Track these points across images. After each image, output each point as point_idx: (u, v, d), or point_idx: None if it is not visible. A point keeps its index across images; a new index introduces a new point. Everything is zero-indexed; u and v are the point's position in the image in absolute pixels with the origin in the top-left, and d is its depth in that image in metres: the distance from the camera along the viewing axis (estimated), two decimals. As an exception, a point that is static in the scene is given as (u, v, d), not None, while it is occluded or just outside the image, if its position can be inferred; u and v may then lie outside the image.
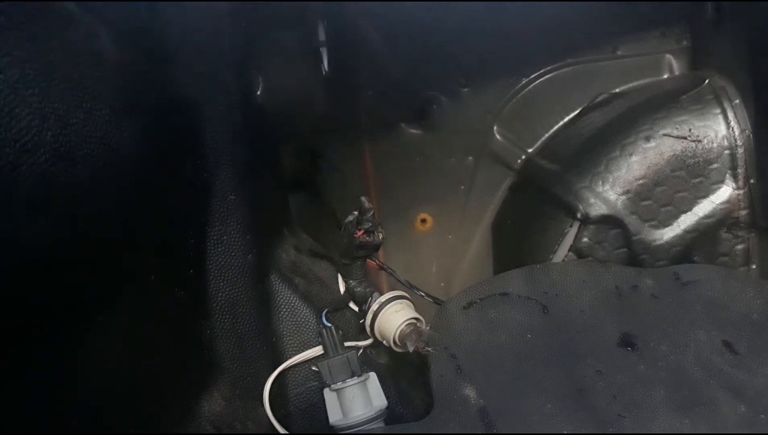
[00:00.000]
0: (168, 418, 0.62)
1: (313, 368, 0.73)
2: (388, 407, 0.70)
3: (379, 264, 0.84)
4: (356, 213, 0.69)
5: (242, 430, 0.68)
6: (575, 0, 0.99)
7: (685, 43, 1.02)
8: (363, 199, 0.69)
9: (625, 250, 0.85)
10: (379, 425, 0.68)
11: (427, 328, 0.69)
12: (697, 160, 0.83)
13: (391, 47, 1.01)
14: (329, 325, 0.73)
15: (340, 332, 0.73)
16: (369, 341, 0.75)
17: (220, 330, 0.69)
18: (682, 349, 0.65)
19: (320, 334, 0.72)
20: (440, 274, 1.20)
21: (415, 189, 1.18)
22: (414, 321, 0.69)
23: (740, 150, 0.82)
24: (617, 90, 1.04)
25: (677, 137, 0.84)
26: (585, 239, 0.86)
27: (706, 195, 0.83)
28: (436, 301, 0.81)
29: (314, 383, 0.73)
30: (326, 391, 0.71)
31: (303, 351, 0.73)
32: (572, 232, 0.86)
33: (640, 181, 0.84)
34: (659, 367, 0.63)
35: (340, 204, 0.97)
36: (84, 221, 0.50)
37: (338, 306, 0.76)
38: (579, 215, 0.85)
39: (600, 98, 1.03)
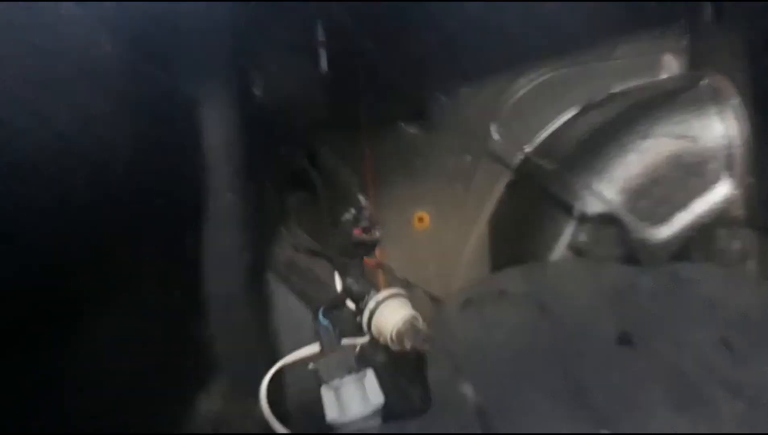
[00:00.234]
0: (166, 417, 0.62)
1: (311, 366, 0.72)
2: (385, 405, 0.70)
3: (376, 262, 0.84)
4: (354, 211, 0.70)
5: (240, 429, 0.68)
6: (574, 0, 0.99)
7: (683, 42, 1.02)
8: (360, 197, 0.69)
9: (623, 248, 0.85)
10: (376, 423, 0.68)
11: (425, 325, 0.69)
12: (694, 159, 0.83)
13: (391, 46, 1.01)
14: (326, 322, 0.72)
15: (338, 330, 0.72)
16: (366, 339, 0.75)
17: (218, 328, 0.69)
18: (680, 347, 0.65)
19: (317, 332, 0.72)
20: (438, 272, 1.20)
21: (412, 187, 1.17)
22: (411, 319, 0.69)
23: (737, 149, 0.82)
24: (615, 90, 1.04)
25: (675, 137, 0.84)
26: (582, 238, 0.86)
27: (703, 194, 0.83)
28: (434, 299, 0.81)
29: (311, 381, 0.73)
30: (323, 388, 0.71)
31: (300, 349, 0.73)
32: (570, 230, 0.86)
33: (638, 180, 0.84)
34: (657, 365, 0.63)
35: (338, 202, 0.97)
36: (81, 220, 0.50)
37: (335, 304, 0.76)
38: (576, 214, 0.85)
39: (598, 98, 1.03)
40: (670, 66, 1.03)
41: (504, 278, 0.78)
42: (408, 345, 0.66)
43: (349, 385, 0.69)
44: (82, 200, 0.50)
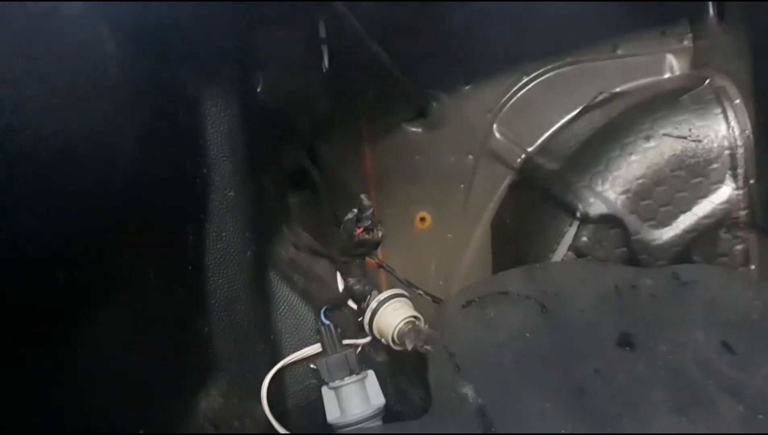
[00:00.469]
0: (166, 416, 0.62)
1: (312, 366, 0.72)
2: (386, 405, 0.70)
3: (378, 262, 0.84)
4: (355, 211, 0.69)
5: (240, 428, 0.68)
6: (577, 0, 0.99)
7: (685, 42, 1.02)
8: (362, 196, 0.68)
9: (625, 249, 0.85)
10: (376, 423, 0.68)
11: (426, 326, 0.69)
12: (696, 159, 0.83)
13: (392, 45, 1.01)
14: (328, 322, 0.72)
15: (339, 330, 0.73)
16: (367, 339, 0.75)
17: (219, 327, 0.69)
18: (681, 349, 0.65)
19: (319, 332, 0.72)
20: (439, 273, 1.20)
21: (414, 187, 1.18)
22: (412, 319, 0.69)
23: (740, 150, 0.82)
24: (618, 89, 1.04)
25: (677, 137, 0.83)
26: (584, 238, 0.85)
27: (705, 195, 0.83)
28: (435, 300, 0.81)
29: (312, 381, 0.73)
30: (324, 389, 0.71)
31: (301, 349, 0.73)
32: (571, 231, 0.86)
33: (640, 181, 0.83)
34: (658, 366, 0.63)
35: (340, 202, 0.97)
36: (82, 218, 0.50)
37: (337, 304, 0.76)
38: (578, 214, 0.85)
39: (600, 97, 1.03)
40: (673, 66, 1.03)
41: (505, 279, 0.77)
42: (409, 345, 0.66)
43: (349, 385, 0.69)
44: (83, 199, 0.50)
